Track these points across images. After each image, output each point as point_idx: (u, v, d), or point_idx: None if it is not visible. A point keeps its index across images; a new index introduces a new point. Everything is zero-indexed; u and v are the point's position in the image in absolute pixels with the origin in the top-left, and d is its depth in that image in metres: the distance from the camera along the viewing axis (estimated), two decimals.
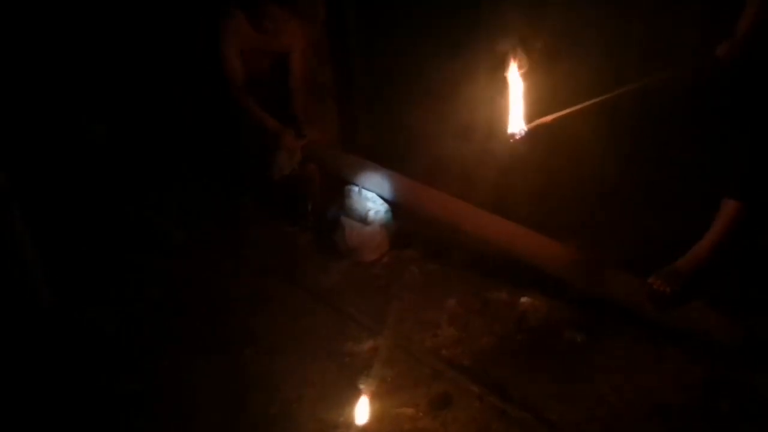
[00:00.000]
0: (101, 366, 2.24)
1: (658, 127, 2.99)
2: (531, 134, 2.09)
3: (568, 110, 2.12)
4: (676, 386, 1.93)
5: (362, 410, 1.84)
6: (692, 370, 1.98)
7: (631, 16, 2.98)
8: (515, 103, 2.09)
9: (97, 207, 3.24)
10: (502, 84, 2.14)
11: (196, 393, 2.07)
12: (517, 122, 2.09)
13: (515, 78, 2.08)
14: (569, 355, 2.13)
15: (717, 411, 1.83)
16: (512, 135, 2.09)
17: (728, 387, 1.89)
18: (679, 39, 2.81)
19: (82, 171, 3.38)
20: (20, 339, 2.34)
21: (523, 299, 2.39)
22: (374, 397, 1.94)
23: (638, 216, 2.83)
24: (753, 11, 2.06)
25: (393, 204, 2.92)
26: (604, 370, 2.03)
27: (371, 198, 2.92)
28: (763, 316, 2.08)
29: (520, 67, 2.09)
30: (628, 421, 1.85)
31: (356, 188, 2.95)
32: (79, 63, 3.48)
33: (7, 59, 3.21)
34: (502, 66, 2.16)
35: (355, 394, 1.90)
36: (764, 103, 2.12)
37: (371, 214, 2.87)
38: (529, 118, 2.10)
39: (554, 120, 2.11)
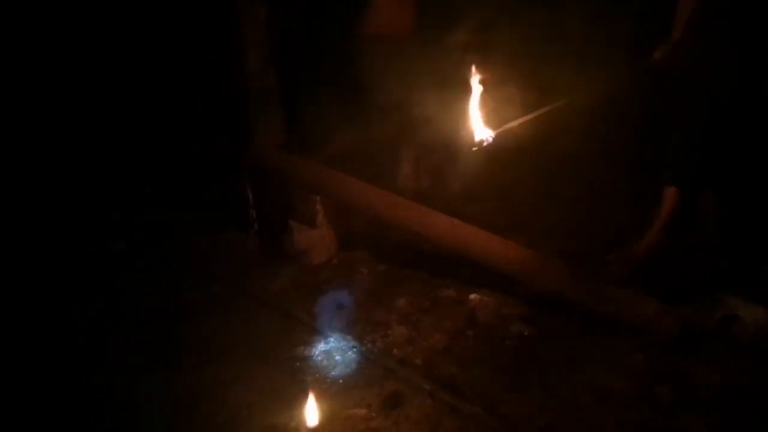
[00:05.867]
0: (44, 379, 2.14)
1: (606, 128, 3.12)
2: (496, 141, 2.19)
3: (530, 116, 2.23)
4: (620, 374, 1.99)
5: (313, 413, 1.81)
6: (634, 358, 2.05)
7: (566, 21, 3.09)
8: (479, 110, 2.18)
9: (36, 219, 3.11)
10: (462, 92, 2.22)
11: (141, 404, 2.00)
12: (483, 129, 2.19)
13: (477, 86, 2.19)
14: (518, 348, 2.16)
15: (659, 398, 1.90)
16: (480, 142, 2.17)
17: (667, 374, 1.97)
18: (618, 47, 2.93)
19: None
20: None
21: (472, 296, 2.42)
22: (326, 400, 1.92)
23: (585, 212, 2.93)
24: (685, 18, 2.19)
25: (342, 205, 2.90)
26: (552, 362, 2.08)
27: (320, 200, 2.89)
28: (700, 307, 2.17)
29: (480, 76, 2.19)
30: (576, 409, 1.89)
31: (305, 191, 2.91)
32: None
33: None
34: (461, 75, 2.25)
35: (306, 397, 1.87)
36: (697, 100, 2.25)
37: (320, 216, 2.84)
38: (490, 125, 2.21)
39: (520, 126, 2.20)
